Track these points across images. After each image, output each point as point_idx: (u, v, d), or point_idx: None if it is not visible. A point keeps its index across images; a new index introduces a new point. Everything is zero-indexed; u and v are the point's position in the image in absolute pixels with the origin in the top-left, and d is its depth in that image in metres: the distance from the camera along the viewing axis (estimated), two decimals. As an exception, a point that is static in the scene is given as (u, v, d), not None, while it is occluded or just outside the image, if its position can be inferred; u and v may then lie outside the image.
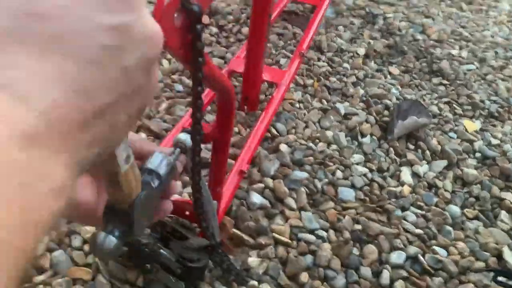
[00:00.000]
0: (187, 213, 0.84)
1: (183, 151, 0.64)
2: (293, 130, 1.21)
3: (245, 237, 0.93)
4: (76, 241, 0.86)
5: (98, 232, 0.43)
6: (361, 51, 1.58)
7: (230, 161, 1.05)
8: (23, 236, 0.18)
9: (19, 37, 0.20)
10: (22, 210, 0.17)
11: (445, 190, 1.15)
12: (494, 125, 1.40)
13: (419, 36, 1.73)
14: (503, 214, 1.10)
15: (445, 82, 1.54)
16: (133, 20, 0.22)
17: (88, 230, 0.88)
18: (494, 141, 1.32)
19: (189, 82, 1.30)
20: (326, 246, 0.95)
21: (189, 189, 1.00)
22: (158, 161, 0.65)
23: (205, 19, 1.55)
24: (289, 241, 0.95)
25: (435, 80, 1.55)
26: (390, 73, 1.53)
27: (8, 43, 0.20)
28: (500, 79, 1.60)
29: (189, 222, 0.87)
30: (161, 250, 0.78)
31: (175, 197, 0.97)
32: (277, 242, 0.95)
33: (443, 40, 1.74)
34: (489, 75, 1.61)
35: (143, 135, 1.09)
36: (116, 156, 0.49)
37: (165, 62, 1.35)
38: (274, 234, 0.95)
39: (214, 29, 1.53)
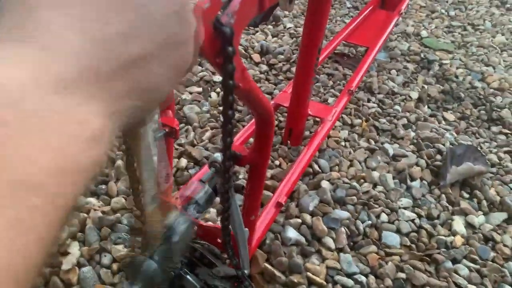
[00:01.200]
0: (219, 240, 0.82)
1: (216, 171, 0.63)
2: (337, 168, 1.16)
3: (277, 273, 0.88)
4: (106, 259, 0.85)
5: (137, 256, 0.43)
6: (414, 94, 1.52)
7: (268, 193, 1.02)
8: (61, 181, 0.17)
9: None
10: (59, 155, 0.17)
11: (504, 245, 1.03)
12: (562, 180, 1.27)
13: (478, 84, 1.65)
14: None
15: (506, 131, 1.44)
16: None
17: (119, 249, 0.87)
18: None
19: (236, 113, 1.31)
20: (365, 292, 0.87)
21: (223, 218, 0.97)
22: (181, 231, 0.62)
23: (256, 57, 1.59)
24: (324, 282, 0.88)
25: (495, 129, 1.45)
26: (444, 118, 1.46)
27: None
28: None
29: (219, 250, 0.84)
30: (187, 276, 0.75)
31: (208, 222, 0.94)
32: (311, 283, 0.88)
33: (504, 89, 1.64)
34: (557, 127, 1.48)
35: (184, 161, 1.09)
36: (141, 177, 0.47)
37: (213, 94, 1.38)
38: (308, 273, 0.89)
39: (264, 67, 1.56)
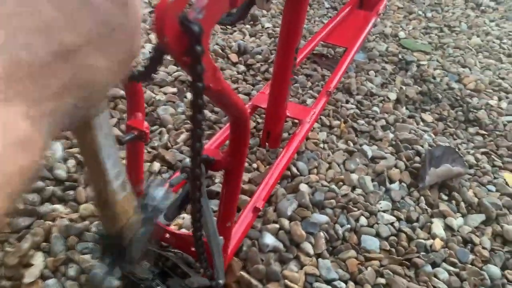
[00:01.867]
0: (193, 249, 0.78)
1: (188, 177, 0.59)
2: (315, 170, 1.13)
3: (254, 281, 0.84)
4: (72, 271, 0.80)
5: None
6: (392, 96, 1.52)
7: (245, 197, 0.99)
8: None
9: None
10: None
11: (483, 248, 1.03)
12: (538, 181, 1.28)
13: (455, 85, 1.66)
14: (551, 280, 0.97)
15: (482, 132, 1.44)
16: None
17: (87, 259, 0.82)
18: (539, 198, 1.19)
19: (211, 115, 1.27)
20: (344, 299, 0.85)
21: (198, 224, 0.93)
22: (159, 196, 0.61)
23: (234, 57, 1.55)
24: (303, 290, 0.85)
25: (472, 130, 1.45)
26: (423, 120, 1.46)
27: None
28: (544, 133, 1.49)
29: (193, 259, 0.80)
30: (158, 287, 0.71)
31: (182, 230, 0.90)
32: (289, 291, 0.85)
33: (480, 90, 1.65)
34: (531, 128, 1.50)
35: (157, 164, 1.05)
36: (104, 168, 0.44)
37: (189, 95, 1.34)
38: (286, 281, 0.86)
39: (242, 67, 1.53)
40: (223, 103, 0.57)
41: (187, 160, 0.54)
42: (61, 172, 0.97)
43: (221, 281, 0.71)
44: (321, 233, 0.96)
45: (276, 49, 1.65)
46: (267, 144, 1.14)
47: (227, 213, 0.75)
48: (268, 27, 1.82)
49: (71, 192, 0.95)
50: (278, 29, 1.81)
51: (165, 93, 1.32)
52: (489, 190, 1.20)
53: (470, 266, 0.97)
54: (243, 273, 0.85)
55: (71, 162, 1.01)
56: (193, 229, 0.62)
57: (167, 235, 0.80)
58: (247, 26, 1.80)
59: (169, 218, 0.67)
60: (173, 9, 0.38)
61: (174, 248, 0.82)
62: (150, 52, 0.73)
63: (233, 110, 0.60)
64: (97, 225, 0.89)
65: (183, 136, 1.16)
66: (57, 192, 0.94)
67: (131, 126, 0.72)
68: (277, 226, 0.95)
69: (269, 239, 0.91)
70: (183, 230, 0.89)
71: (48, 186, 0.94)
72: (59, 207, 0.92)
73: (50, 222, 0.88)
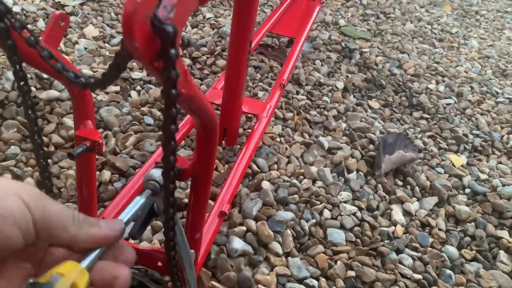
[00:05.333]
0: (159, 264, 0.72)
1: (154, 192, 0.52)
2: (275, 166, 1.11)
3: (226, 290, 0.80)
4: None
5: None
6: (340, 84, 1.53)
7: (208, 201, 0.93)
8: None
9: None
10: None
11: (439, 229, 1.07)
12: (479, 160, 1.35)
13: (396, 71, 1.71)
14: (502, 254, 1.03)
15: (426, 116, 1.50)
16: None
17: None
18: (482, 176, 1.26)
19: (160, 114, 1.19)
20: (318, 297, 0.84)
21: (160, 236, 0.87)
22: None
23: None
24: (276, 293, 0.82)
25: (416, 114, 1.51)
26: (370, 107, 1.48)
27: None
28: (479, 113, 1.58)
29: (160, 275, 0.74)
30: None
31: (145, 244, 0.83)
32: (262, 295, 0.82)
33: (420, 75, 1.72)
34: (467, 109, 1.59)
35: (107, 173, 0.96)
36: None
37: (133, 93, 1.24)
38: (259, 285, 0.82)
39: (188, 61, 1.45)
40: (194, 109, 0.51)
41: (150, 172, 0.48)
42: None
43: (194, 297, 0.66)
44: (288, 231, 0.94)
45: (221, 41, 1.60)
46: (223, 142, 1.09)
47: (196, 223, 0.69)
48: (209, 17, 1.75)
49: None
50: (220, 19, 1.75)
51: (106, 93, 1.21)
52: (438, 173, 1.25)
53: (431, 249, 1.00)
54: (213, 282, 0.80)
55: None
56: (166, 249, 0.56)
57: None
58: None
59: (134, 236, 0.61)
60: (143, 9, 0.32)
61: (137, 265, 0.75)
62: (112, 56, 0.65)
63: (204, 116, 0.54)
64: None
65: (132, 139, 1.08)
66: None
67: (82, 137, 0.63)
68: (244, 228, 0.91)
69: (238, 244, 0.87)
70: (145, 244, 0.83)
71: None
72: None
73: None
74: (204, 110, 0.53)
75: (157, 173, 0.51)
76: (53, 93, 1.13)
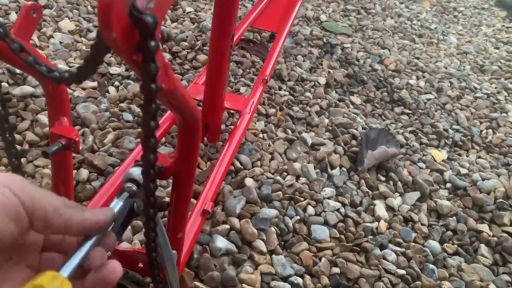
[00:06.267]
0: (140, 265, 0.70)
1: (132, 194, 0.49)
2: (259, 163, 1.09)
3: (210, 290, 0.78)
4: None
5: None
6: (322, 80, 1.52)
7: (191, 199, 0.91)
8: None
9: None
10: None
11: (422, 224, 1.07)
12: (459, 154, 1.37)
13: (378, 66, 1.71)
14: (483, 248, 1.04)
15: (407, 111, 1.51)
16: None
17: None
18: (463, 171, 1.28)
19: (140, 110, 1.16)
20: (303, 295, 0.83)
21: (140, 236, 0.84)
22: None
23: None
24: (261, 291, 0.81)
25: (398, 110, 1.51)
26: (352, 102, 1.48)
27: None
28: (458, 108, 1.60)
29: (141, 276, 0.72)
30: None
31: (125, 245, 0.81)
32: (247, 294, 0.81)
33: (400, 70, 1.73)
34: (447, 104, 1.61)
35: (84, 171, 0.93)
36: None
37: (111, 89, 1.21)
38: (243, 285, 0.81)
39: (168, 55, 1.42)
40: (175, 104, 0.49)
41: (129, 171, 0.46)
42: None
43: (177, 299, 0.64)
44: (272, 228, 0.93)
45: (201, 35, 1.57)
46: (205, 138, 1.07)
47: (178, 223, 0.67)
48: (189, 12, 1.72)
49: None
50: (200, 14, 1.72)
51: (83, 89, 1.17)
52: (420, 168, 1.26)
53: (414, 244, 1.01)
54: (197, 283, 0.78)
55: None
56: (147, 250, 0.54)
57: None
58: (168, 10, 1.68)
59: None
60: (121, -3, 0.30)
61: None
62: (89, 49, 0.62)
63: (185, 112, 0.52)
64: None
65: (110, 136, 1.04)
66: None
67: (57, 134, 0.60)
68: (227, 226, 0.89)
69: (221, 242, 0.85)
70: (125, 245, 0.80)
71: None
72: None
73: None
74: (186, 106, 0.50)
75: (136, 171, 0.49)
76: (27, 88, 1.08)
